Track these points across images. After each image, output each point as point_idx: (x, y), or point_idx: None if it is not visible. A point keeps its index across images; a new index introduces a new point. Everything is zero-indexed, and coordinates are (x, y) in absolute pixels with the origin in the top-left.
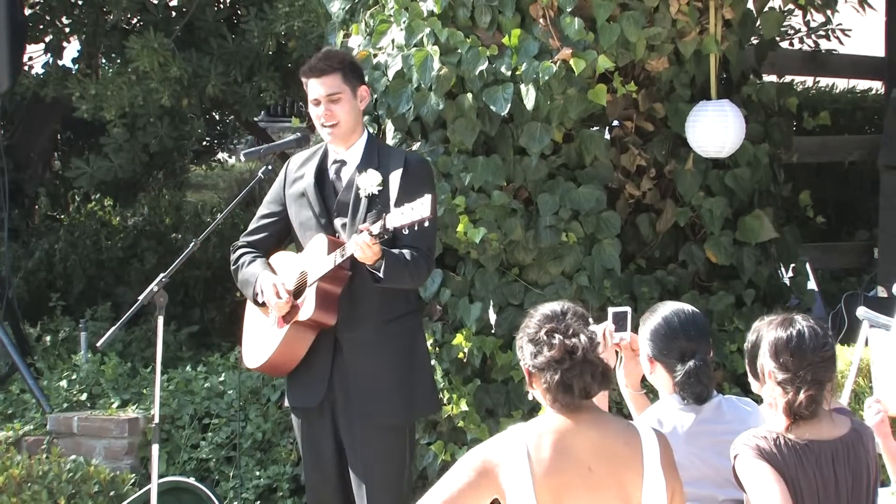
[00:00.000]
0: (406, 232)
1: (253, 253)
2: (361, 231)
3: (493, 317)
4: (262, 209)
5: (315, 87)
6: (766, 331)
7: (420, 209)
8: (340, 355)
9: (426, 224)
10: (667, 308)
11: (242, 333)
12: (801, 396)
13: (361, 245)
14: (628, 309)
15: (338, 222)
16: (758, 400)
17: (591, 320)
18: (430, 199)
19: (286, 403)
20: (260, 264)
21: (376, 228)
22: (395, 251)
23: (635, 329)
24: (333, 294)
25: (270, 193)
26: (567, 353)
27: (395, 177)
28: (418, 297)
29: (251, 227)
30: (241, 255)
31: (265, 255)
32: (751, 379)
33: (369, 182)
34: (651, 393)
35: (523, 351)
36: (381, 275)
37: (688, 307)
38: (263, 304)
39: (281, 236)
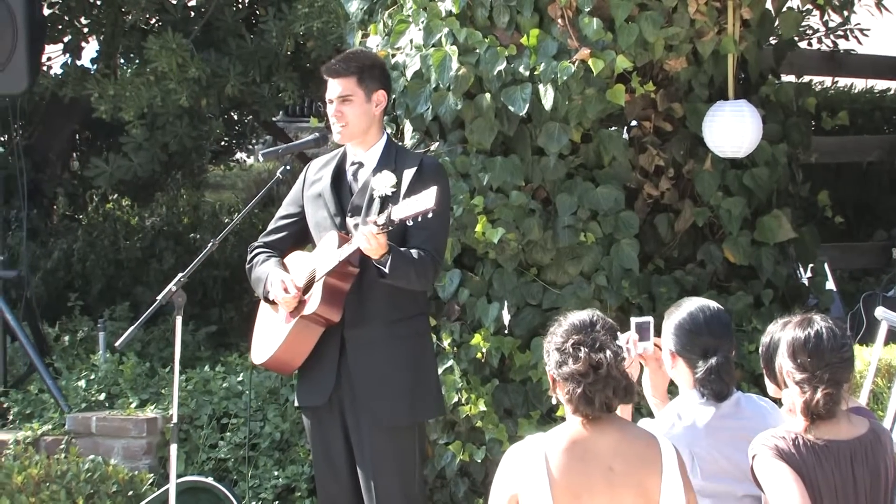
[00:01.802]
0: (410, 223)
1: (268, 252)
2: (368, 223)
3: (506, 317)
4: (281, 210)
5: (330, 87)
6: (784, 331)
7: (424, 200)
8: (346, 354)
9: (430, 215)
10: (692, 304)
11: (253, 331)
12: (819, 395)
13: (367, 235)
14: (650, 319)
15: (351, 223)
16: (775, 402)
17: (619, 333)
18: (435, 190)
19: (296, 404)
20: (273, 263)
21: (382, 219)
22: (403, 249)
23: (658, 332)
24: (341, 290)
25: (289, 195)
26: (591, 368)
27: (408, 176)
28: (427, 300)
29: (269, 227)
30: (255, 255)
31: (281, 256)
32: (767, 382)
33: (383, 183)
34: None
35: (549, 357)
36: (386, 269)
37: (713, 304)
38: (274, 302)
39: (298, 237)
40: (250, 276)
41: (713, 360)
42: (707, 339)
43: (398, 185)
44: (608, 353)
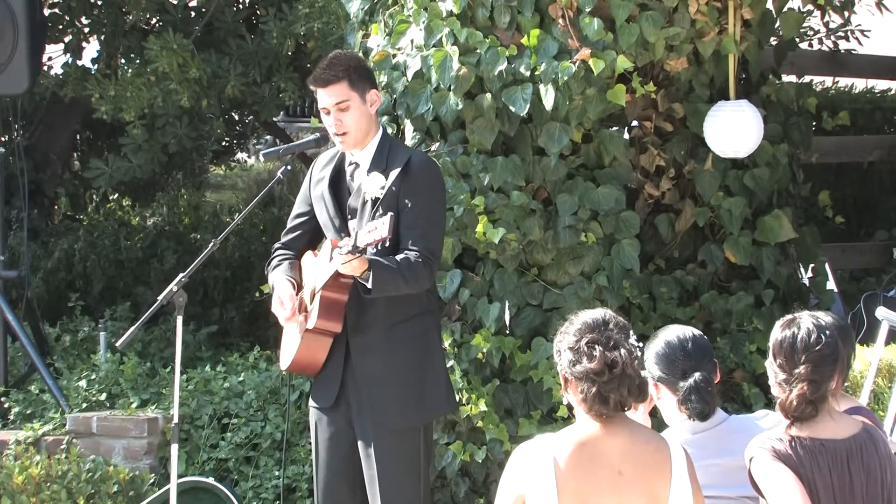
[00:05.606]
0: (373, 250)
1: (283, 255)
2: (340, 247)
3: (507, 318)
4: (295, 208)
5: (322, 97)
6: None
7: (381, 228)
8: (350, 359)
9: (388, 244)
10: (669, 332)
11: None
12: (792, 396)
13: (338, 265)
14: None
15: (351, 225)
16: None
17: (632, 332)
18: (390, 218)
19: (311, 401)
20: (283, 270)
21: (347, 247)
22: (387, 258)
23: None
24: (338, 302)
25: (300, 193)
26: (607, 367)
27: (392, 177)
28: (433, 298)
29: (287, 225)
30: (273, 258)
31: (298, 255)
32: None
33: (372, 185)
34: None
35: (561, 357)
36: (368, 285)
37: (690, 331)
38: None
39: (313, 235)
40: (268, 280)
41: (692, 379)
42: (685, 363)
43: (386, 186)
44: (623, 351)
